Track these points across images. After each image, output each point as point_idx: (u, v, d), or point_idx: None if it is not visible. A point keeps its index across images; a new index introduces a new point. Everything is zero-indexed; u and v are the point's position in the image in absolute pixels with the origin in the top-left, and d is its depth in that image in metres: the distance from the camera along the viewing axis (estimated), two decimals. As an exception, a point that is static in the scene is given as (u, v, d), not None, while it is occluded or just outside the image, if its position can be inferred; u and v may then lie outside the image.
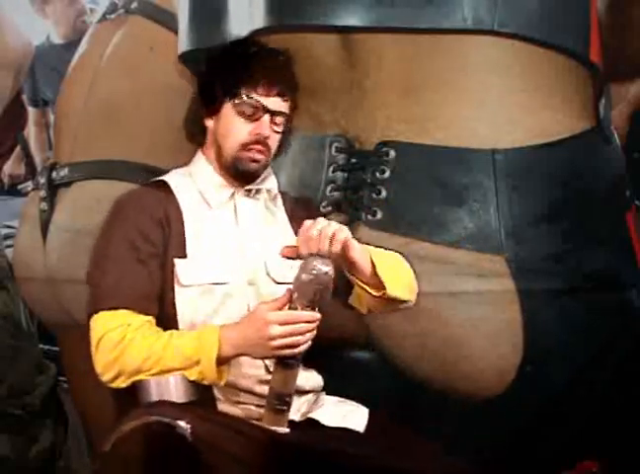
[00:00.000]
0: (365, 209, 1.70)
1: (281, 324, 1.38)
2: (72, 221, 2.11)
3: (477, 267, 1.64)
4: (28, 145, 3.35)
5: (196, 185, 1.62)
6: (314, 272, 1.37)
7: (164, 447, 1.30)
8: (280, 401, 1.43)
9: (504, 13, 1.62)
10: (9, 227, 2.82)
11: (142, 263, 1.51)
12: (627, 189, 1.87)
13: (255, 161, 1.58)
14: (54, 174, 2.27)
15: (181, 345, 1.43)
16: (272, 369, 1.45)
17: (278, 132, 1.60)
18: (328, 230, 1.39)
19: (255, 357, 1.45)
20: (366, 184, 1.71)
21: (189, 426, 1.29)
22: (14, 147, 3.75)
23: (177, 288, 1.52)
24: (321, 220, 1.41)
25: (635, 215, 1.86)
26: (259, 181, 1.62)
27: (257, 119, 1.57)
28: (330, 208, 1.75)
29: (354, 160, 1.75)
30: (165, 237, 1.54)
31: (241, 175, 1.60)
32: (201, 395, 1.45)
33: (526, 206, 1.67)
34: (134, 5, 2.29)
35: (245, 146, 1.57)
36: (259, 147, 1.57)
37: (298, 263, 1.57)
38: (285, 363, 1.41)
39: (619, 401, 1.78)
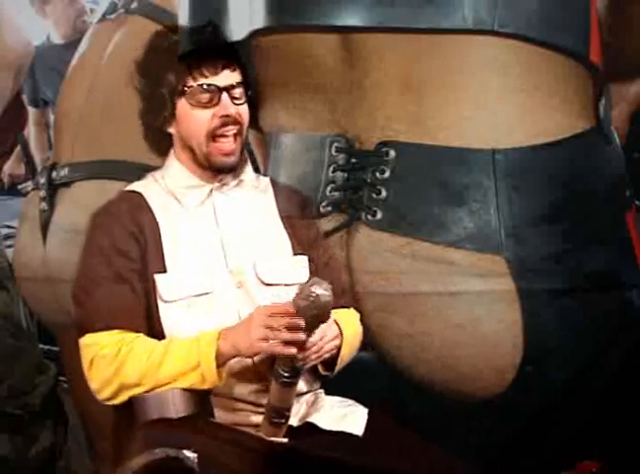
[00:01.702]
0: (365, 209, 1.70)
1: (265, 327, 1.37)
2: (72, 221, 2.11)
3: (477, 267, 1.64)
4: (28, 145, 3.35)
5: (169, 189, 1.58)
6: (311, 298, 1.33)
7: None
8: (277, 414, 1.41)
9: (504, 13, 1.62)
10: (9, 227, 2.83)
11: (122, 279, 1.48)
12: (627, 189, 1.87)
13: (227, 154, 1.54)
14: (54, 174, 2.27)
15: (179, 349, 1.42)
16: (265, 377, 1.45)
17: (242, 103, 1.56)
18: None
19: (246, 355, 1.44)
20: (366, 184, 1.71)
21: (195, 455, 1.27)
22: (14, 147, 3.75)
23: (160, 304, 1.49)
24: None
25: (635, 215, 1.86)
26: (234, 173, 1.59)
27: (216, 103, 1.53)
28: (330, 208, 1.75)
29: (354, 160, 1.74)
30: (142, 250, 1.51)
31: (217, 170, 1.56)
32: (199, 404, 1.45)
33: (526, 206, 1.67)
34: (134, 5, 2.29)
35: (213, 135, 1.53)
36: (229, 129, 1.53)
37: (290, 264, 1.56)
38: (284, 382, 1.39)
39: (619, 401, 1.78)
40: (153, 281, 1.49)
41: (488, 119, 1.67)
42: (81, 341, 1.47)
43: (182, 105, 1.55)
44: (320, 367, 1.53)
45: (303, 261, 1.60)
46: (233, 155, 1.55)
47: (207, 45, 1.64)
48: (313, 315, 1.34)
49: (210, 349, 1.41)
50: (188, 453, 1.27)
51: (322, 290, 1.33)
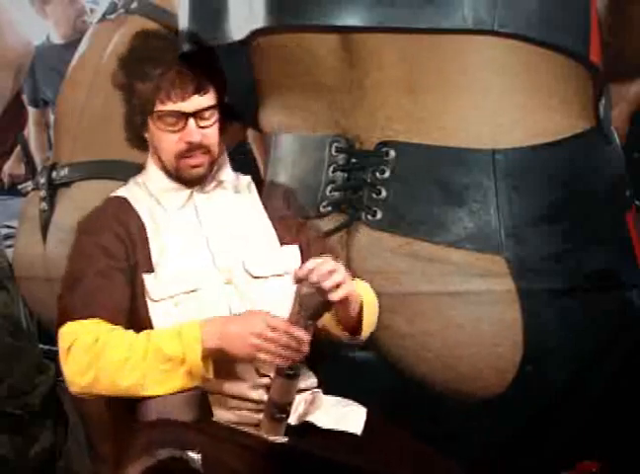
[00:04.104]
0: (365, 209, 1.70)
1: (272, 329, 1.36)
2: (72, 221, 2.10)
3: (477, 267, 1.64)
4: (28, 145, 3.35)
5: (151, 192, 1.58)
6: (316, 286, 1.34)
7: None
8: (278, 409, 1.41)
9: (504, 13, 1.62)
10: (9, 227, 2.83)
11: (105, 275, 1.47)
12: (627, 189, 1.87)
13: (196, 166, 1.54)
14: (54, 174, 2.27)
15: (161, 345, 1.38)
16: (265, 374, 1.44)
17: (209, 126, 1.54)
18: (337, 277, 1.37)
19: (231, 354, 1.40)
20: (366, 184, 1.71)
21: (199, 456, 1.27)
22: (14, 147, 3.75)
23: (150, 304, 1.49)
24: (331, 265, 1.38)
25: (635, 215, 1.86)
26: (212, 174, 1.59)
27: (182, 127, 1.52)
28: (330, 208, 1.75)
29: (354, 160, 1.74)
30: (128, 252, 1.50)
31: (188, 182, 1.57)
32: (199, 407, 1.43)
33: (526, 206, 1.67)
34: (134, 5, 2.30)
35: (181, 155, 1.53)
36: (195, 153, 1.53)
37: (278, 255, 1.56)
38: (287, 374, 1.39)
39: (619, 401, 1.78)
40: (142, 281, 1.49)
41: (488, 119, 1.67)
42: (60, 330, 1.44)
43: (150, 121, 1.55)
44: (346, 333, 1.51)
45: (293, 250, 1.61)
46: (201, 167, 1.55)
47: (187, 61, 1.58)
48: (319, 302, 1.36)
49: (195, 342, 1.37)
50: (193, 454, 1.27)
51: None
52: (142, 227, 1.54)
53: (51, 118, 3.38)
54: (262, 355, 1.37)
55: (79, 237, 1.55)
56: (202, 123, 1.53)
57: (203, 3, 1.81)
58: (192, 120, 1.52)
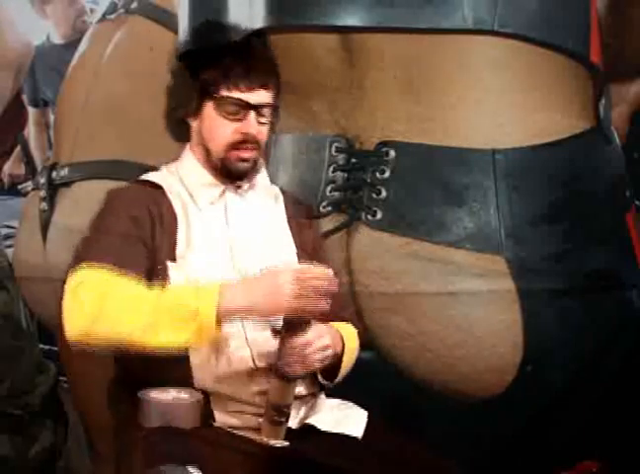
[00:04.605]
0: (365, 209, 1.70)
1: (298, 285, 1.32)
2: (72, 221, 2.11)
3: (477, 267, 1.64)
4: (28, 145, 3.35)
5: (184, 184, 1.57)
6: None
7: None
8: (278, 412, 1.41)
9: (504, 13, 1.62)
10: (9, 227, 2.83)
11: (127, 239, 1.45)
12: (627, 189, 1.87)
13: (244, 160, 1.54)
14: (54, 174, 2.27)
15: (176, 294, 1.35)
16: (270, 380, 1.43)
17: (265, 124, 1.55)
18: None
19: (259, 316, 1.38)
20: (366, 184, 1.71)
21: (199, 472, 1.26)
22: (14, 147, 3.75)
23: None
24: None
25: (635, 215, 1.86)
26: (249, 177, 1.59)
27: (242, 118, 1.52)
28: (330, 208, 1.75)
29: (354, 160, 1.74)
30: (155, 232, 1.49)
31: (231, 175, 1.56)
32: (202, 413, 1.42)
33: (526, 206, 1.67)
34: (134, 5, 2.29)
35: (233, 146, 1.53)
36: (247, 145, 1.53)
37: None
38: (285, 377, 1.39)
39: (619, 401, 1.78)
40: (162, 268, 1.47)
41: (488, 119, 1.67)
42: (71, 272, 1.39)
43: (209, 107, 1.54)
44: (320, 376, 1.52)
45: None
46: (249, 162, 1.55)
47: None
48: None
49: (212, 297, 1.33)
50: (193, 469, 1.27)
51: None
52: (174, 216, 1.53)
53: (51, 118, 3.38)
54: (300, 304, 1.33)
55: (111, 202, 1.54)
56: (261, 119, 1.54)
57: (203, 3, 1.81)
58: (252, 113, 1.52)
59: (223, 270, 1.51)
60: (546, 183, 1.70)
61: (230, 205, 1.57)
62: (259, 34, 1.69)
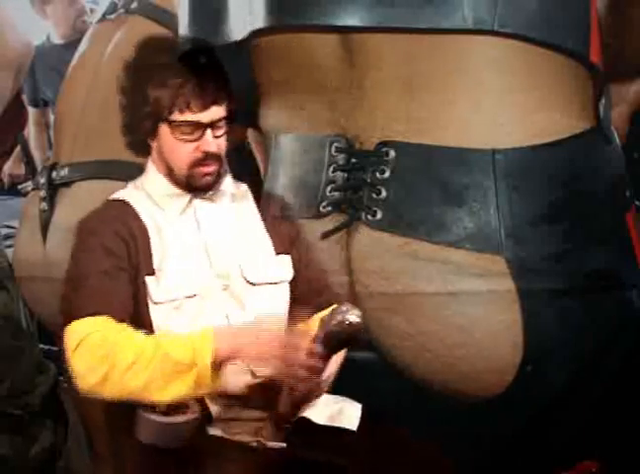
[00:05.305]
0: (365, 209, 1.70)
1: (286, 357, 1.36)
2: (72, 221, 2.10)
3: (477, 267, 1.64)
4: (28, 145, 3.35)
5: (151, 198, 1.58)
6: (345, 324, 1.35)
7: None
8: (285, 421, 1.42)
9: (504, 13, 1.62)
10: (9, 227, 2.83)
11: (109, 276, 1.47)
12: (627, 189, 1.87)
13: (208, 174, 1.55)
14: (54, 174, 2.27)
15: (171, 348, 1.38)
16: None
17: (222, 135, 1.56)
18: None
19: (244, 360, 1.40)
20: (366, 184, 1.71)
21: None
22: (14, 147, 3.75)
23: (151, 306, 1.50)
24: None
25: (635, 215, 1.86)
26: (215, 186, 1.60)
27: (199, 137, 1.52)
28: (330, 208, 1.75)
29: (354, 160, 1.74)
30: (131, 253, 1.51)
31: (197, 189, 1.57)
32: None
33: (526, 206, 1.67)
34: (134, 5, 2.30)
35: (194, 164, 1.53)
36: (208, 161, 1.53)
37: (273, 263, 1.57)
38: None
39: (619, 401, 1.78)
40: (144, 283, 1.50)
41: (488, 119, 1.67)
42: (67, 328, 1.44)
43: (164, 129, 1.54)
44: None
45: (287, 259, 1.63)
46: (213, 175, 1.56)
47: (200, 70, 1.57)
48: (341, 339, 1.37)
49: (207, 349, 1.37)
50: None
51: (355, 317, 1.36)
52: (144, 230, 1.54)
53: (51, 118, 3.38)
54: (284, 378, 1.37)
55: (81, 237, 1.55)
56: (217, 133, 1.54)
57: (203, 3, 1.81)
58: (209, 131, 1.52)
59: (203, 276, 1.52)
60: (546, 183, 1.69)
61: (199, 212, 1.59)
62: (205, 48, 1.66)
